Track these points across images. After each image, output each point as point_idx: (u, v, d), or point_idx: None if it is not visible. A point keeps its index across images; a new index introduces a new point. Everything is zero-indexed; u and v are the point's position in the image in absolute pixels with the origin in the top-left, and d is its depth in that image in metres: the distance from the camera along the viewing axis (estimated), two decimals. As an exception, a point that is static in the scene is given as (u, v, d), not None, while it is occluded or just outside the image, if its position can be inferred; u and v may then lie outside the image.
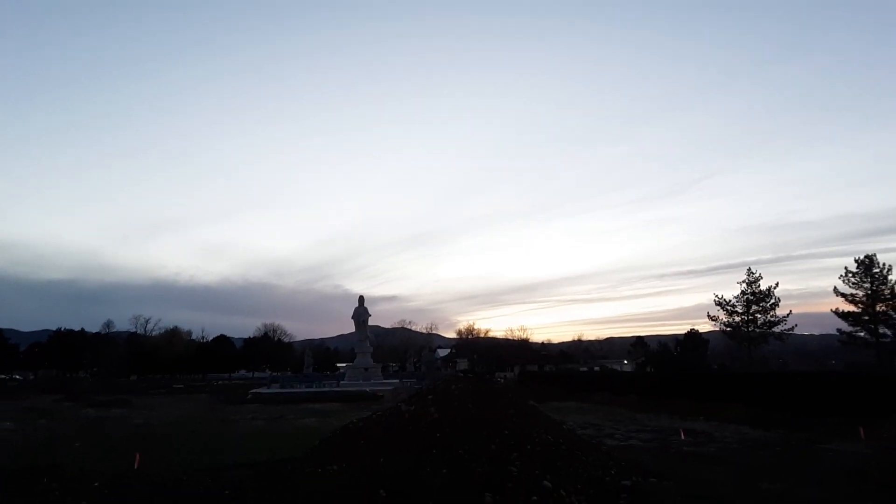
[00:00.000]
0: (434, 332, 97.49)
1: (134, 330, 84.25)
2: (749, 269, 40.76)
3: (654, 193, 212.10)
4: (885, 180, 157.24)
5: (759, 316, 40.43)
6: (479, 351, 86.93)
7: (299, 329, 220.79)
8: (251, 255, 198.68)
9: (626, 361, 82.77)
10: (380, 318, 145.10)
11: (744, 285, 41.04)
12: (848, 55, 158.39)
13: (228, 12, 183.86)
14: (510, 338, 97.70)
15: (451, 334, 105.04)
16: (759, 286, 40.62)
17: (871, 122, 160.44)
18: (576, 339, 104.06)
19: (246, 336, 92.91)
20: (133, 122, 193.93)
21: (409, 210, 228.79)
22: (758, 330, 40.25)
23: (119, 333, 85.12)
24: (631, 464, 7.96)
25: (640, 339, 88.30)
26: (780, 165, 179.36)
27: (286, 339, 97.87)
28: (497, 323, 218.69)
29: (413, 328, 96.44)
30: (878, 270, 39.43)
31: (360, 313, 50.45)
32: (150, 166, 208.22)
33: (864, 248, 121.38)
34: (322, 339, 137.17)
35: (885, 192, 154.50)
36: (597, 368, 69.83)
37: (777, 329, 39.68)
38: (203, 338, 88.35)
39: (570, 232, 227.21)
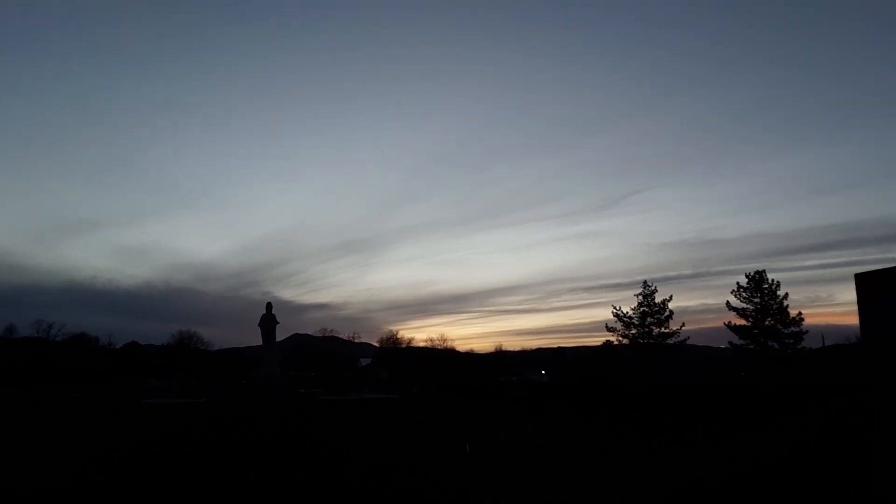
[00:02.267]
0: (358, 339, 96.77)
1: (37, 335, 79.84)
2: (645, 283, 42.56)
3: (585, 207, 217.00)
4: (798, 202, 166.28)
5: (653, 328, 42.06)
6: (401, 360, 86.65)
7: (225, 337, 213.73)
8: (175, 258, 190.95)
9: (543, 372, 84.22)
10: (308, 326, 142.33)
11: (640, 298, 42.70)
12: (762, 81, 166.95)
13: (154, 3, 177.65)
14: (435, 347, 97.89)
15: (377, 343, 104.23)
16: (653, 299, 42.30)
17: (788, 144, 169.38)
18: (497, 349, 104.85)
19: (164, 344, 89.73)
20: (47, 114, 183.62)
21: (342, 216, 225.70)
22: (651, 342, 41.82)
23: (25, 339, 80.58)
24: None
25: (560, 350, 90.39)
26: (702, 183, 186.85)
27: (205, 348, 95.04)
28: (428, 333, 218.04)
29: (338, 336, 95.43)
30: (767, 286, 41.70)
31: (268, 321, 49.31)
32: (65, 161, 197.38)
33: (776, 265, 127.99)
34: (248, 348, 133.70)
35: (799, 212, 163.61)
36: (515, 378, 70.83)
37: (671, 341, 41.40)
38: (110, 344, 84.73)
39: (501, 243, 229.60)
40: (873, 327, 5.17)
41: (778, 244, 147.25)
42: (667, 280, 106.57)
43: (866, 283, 5.15)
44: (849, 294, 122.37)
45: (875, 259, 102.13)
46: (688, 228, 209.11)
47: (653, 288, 41.79)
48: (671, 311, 40.94)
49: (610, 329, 43.41)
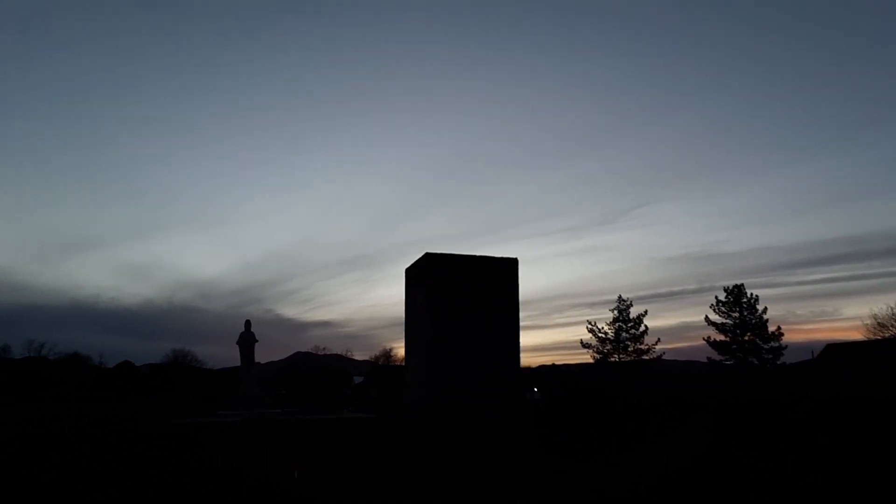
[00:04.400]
0: (348, 355, 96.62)
1: (28, 355, 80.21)
2: (620, 297, 42.43)
3: (587, 221, 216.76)
4: (802, 215, 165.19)
5: (628, 344, 41.87)
6: (394, 377, 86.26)
7: (226, 355, 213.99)
8: (177, 276, 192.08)
9: (535, 389, 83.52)
10: (310, 344, 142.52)
11: (615, 313, 42.56)
12: (763, 94, 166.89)
13: (158, 16, 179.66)
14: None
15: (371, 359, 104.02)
16: (628, 314, 42.12)
17: (791, 157, 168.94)
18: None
19: (157, 363, 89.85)
20: (50, 132, 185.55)
21: (344, 232, 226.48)
22: (626, 358, 41.60)
23: (19, 359, 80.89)
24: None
25: (553, 366, 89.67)
26: (705, 197, 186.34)
27: (199, 366, 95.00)
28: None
29: (326, 353, 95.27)
30: (746, 300, 41.43)
31: (246, 338, 49.39)
32: (69, 179, 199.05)
33: (782, 280, 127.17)
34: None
35: (803, 225, 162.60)
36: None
37: (646, 357, 41.16)
38: (101, 364, 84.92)
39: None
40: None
41: (782, 258, 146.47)
42: (671, 295, 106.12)
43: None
44: (855, 308, 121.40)
45: (881, 272, 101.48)
46: (691, 242, 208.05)
47: (628, 303, 41.81)
48: (646, 327, 40.89)
49: (585, 346, 43.38)
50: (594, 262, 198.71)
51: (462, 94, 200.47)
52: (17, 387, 68.76)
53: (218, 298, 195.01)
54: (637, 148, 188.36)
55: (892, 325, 43.65)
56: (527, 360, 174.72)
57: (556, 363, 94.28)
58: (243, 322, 47.71)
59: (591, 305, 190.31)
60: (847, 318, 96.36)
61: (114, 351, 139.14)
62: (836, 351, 37.61)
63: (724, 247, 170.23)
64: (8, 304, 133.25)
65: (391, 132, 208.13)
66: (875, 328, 42.61)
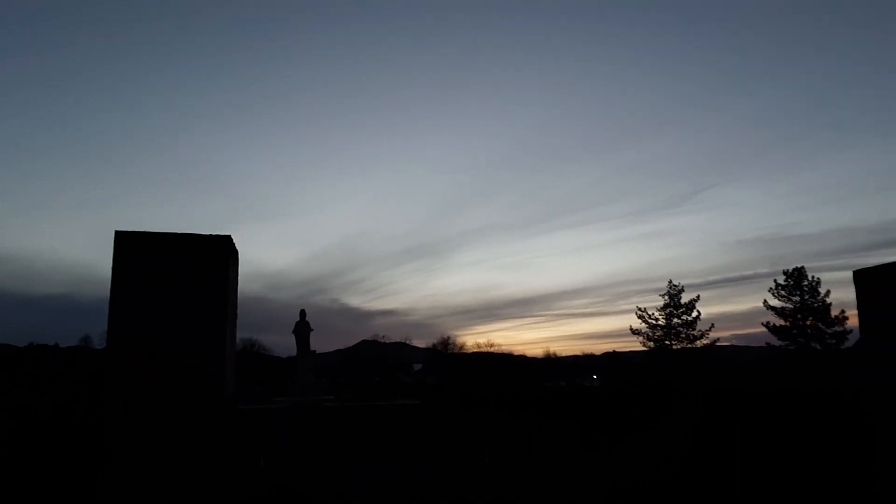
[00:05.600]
0: (408, 342, 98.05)
1: (103, 346, 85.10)
2: (670, 282, 41.29)
3: (652, 205, 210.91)
4: (882, 193, 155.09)
5: (681, 330, 40.76)
6: (453, 366, 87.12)
7: (292, 344, 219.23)
8: (248, 268, 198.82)
9: (595, 377, 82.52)
10: (375, 332, 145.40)
11: (665, 298, 41.48)
12: (845, 66, 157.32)
13: (225, 12, 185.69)
14: (490, 352, 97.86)
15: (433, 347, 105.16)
16: (679, 299, 40.98)
17: (870, 133, 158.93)
18: (547, 354, 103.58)
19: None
20: (126, 130, 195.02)
21: (406, 222, 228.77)
22: (678, 345, 40.55)
23: (97, 350, 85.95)
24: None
25: (613, 353, 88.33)
26: (777, 177, 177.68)
27: (269, 354, 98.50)
28: (492, 337, 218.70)
29: (386, 341, 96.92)
30: (807, 283, 39.62)
31: (301, 328, 50.99)
32: (145, 176, 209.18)
33: (862, 262, 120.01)
34: (319, 355, 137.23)
35: (887, 203, 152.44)
36: (562, 384, 69.75)
37: (699, 343, 40.01)
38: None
39: (565, 244, 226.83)
40: (872, 326, 4.94)
41: (863, 238, 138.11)
42: (743, 280, 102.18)
43: (865, 281, 4.88)
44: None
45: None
46: (763, 225, 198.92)
47: (679, 288, 40.61)
48: (699, 312, 39.67)
49: (635, 332, 42.49)
50: (660, 247, 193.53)
51: (521, 81, 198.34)
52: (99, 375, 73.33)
53: (285, 289, 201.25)
54: (703, 128, 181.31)
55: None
56: (589, 347, 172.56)
57: (617, 350, 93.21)
58: (300, 311, 49.30)
59: (657, 291, 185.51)
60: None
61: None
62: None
63: (800, 228, 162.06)
64: (91, 298, 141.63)
65: (451, 121, 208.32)
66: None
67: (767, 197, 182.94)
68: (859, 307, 4.82)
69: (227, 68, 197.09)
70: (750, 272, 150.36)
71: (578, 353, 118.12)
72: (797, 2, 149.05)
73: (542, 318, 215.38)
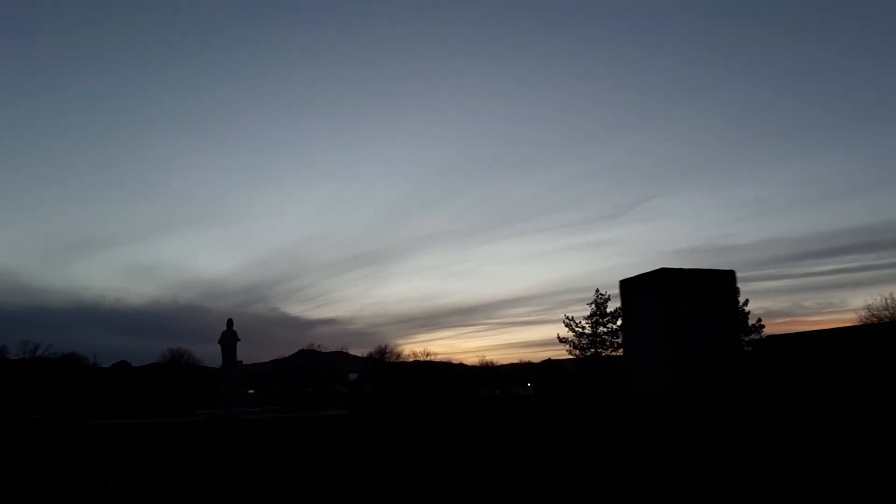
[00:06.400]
0: (346, 352, 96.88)
1: (23, 356, 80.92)
2: (597, 290, 42.18)
3: (595, 215, 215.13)
4: (810, 206, 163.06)
5: (606, 338, 41.65)
6: (389, 375, 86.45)
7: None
8: (183, 275, 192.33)
9: (529, 385, 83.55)
10: (318, 340, 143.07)
11: (592, 307, 42.35)
12: (780, 80, 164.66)
13: (167, 15, 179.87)
14: (429, 360, 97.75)
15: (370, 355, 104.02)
16: (606, 308, 41.93)
17: (798, 148, 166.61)
18: (483, 363, 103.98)
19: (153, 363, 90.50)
20: (53, 132, 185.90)
21: (350, 229, 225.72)
22: (602, 352, 41.40)
23: (14, 361, 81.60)
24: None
25: (548, 361, 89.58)
26: (712, 190, 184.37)
27: (198, 365, 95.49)
28: (434, 346, 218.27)
29: (323, 351, 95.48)
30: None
31: (228, 338, 49.44)
32: (74, 179, 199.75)
33: (790, 272, 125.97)
34: (255, 365, 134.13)
35: (811, 217, 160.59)
36: (497, 392, 70.25)
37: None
38: (96, 364, 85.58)
39: (510, 253, 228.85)
40: (628, 333, 4.89)
41: (791, 249, 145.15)
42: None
43: (626, 290, 4.83)
44: (861, 299, 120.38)
45: (888, 263, 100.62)
46: (699, 236, 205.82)
47: (606, 296, 41.62)
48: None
49: (562, 340, 43.19)
50: (601, 256, 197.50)
51: (467, 91, 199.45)
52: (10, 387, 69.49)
53: (223, 297, 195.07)
54: (644, 141, 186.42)
55: (886, 316, 43.28)
56: (528, 355, 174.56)
57: (553, 358, 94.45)
58: (227, 321, 47.85)
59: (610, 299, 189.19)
60: (853, 310, 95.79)
61: (117, 351, 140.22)
62: (774, 342, 36.91)
63: (732, 239, 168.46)
64: (11, 307, 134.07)
65: (396, 130, 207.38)
66: (869, 319, 42.30)
67: (703, 208, 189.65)
68: (622, 316, 4.88)
69: (165, 66, 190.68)
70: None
71: (517, 361, 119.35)
72: (735, 17, 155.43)
73: (484, 326, 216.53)
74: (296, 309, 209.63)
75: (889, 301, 42.91)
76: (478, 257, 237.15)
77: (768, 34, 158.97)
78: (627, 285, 4.57)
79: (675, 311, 3.94)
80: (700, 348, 3.85)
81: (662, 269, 4.25)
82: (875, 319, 42.95)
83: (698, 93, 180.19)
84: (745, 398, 3.85)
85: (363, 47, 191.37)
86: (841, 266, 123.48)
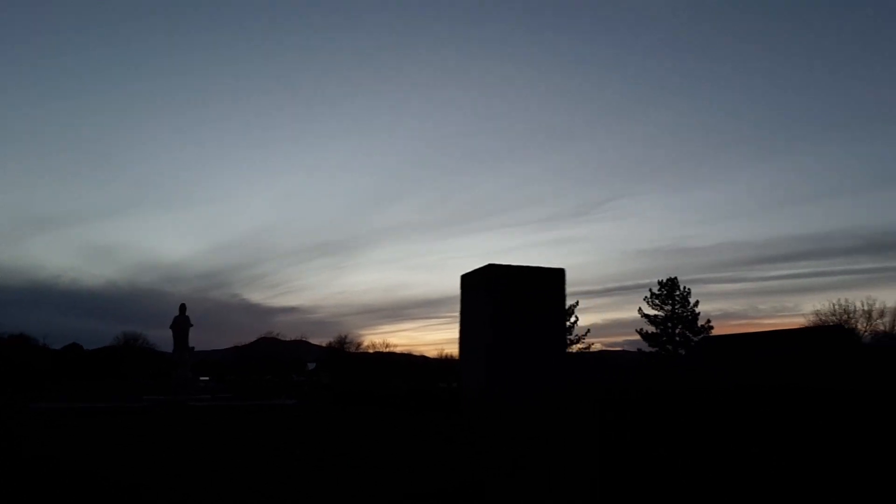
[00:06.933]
0: (307, 340, 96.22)
1: (-29, 337, 78.43)
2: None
3: (562, 212, 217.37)
4: (770, 211, 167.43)
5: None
6: (348, 365, 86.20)
7: (192, 340, 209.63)
8: (142, 258, 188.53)
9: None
10: (279, 328, 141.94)
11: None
12: (741, 88, 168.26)
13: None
14: (390, 352, 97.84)
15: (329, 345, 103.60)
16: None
17: (762, 154, 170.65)
18: (442, 356, 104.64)
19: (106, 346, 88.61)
20: (10, 107, 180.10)
21: (316, 218, 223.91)
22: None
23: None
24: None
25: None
26: (677, 191, 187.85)
27: (153, 349, 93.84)
28: (399, 338, 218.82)
29: (283, 339, 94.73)
30: (679, 293, 42.01)
31: (180, 322, 48.69)
32: (31, 156, 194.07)
33: (746, 276, 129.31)
34: (213, 351, 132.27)
35: (770, 222, 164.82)
36: (454, 385, 70.47)
37: (574, 347, 41.60)
38: (45, 345, 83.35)
39: (479, 247, 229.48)
40: (464, 327, 4.90)
41: (749, 253, 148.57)
42: (638, 288, 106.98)
43: (463, 285, 4.85)
44: (814, 303, 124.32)
45: (841, 269, 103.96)
46: (662, 236, 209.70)
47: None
48: (577, 318, 41.25)
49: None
50: (567, 253, 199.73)
51: (437, 84, 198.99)
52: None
53: (183, 282, 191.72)
54: (613, 141, 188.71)
55: (833, 321, 44.88)
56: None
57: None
58: (179, 305, 47.07)
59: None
60: (806, 314, 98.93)
61: (70, 333, 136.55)
62: (710, 343, 38.19)
63: (694, 241, 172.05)
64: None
65: (366, 120, 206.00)
66: (817, 323, 43.85)
67: (667, 210, 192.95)
68: (461, 310, 4.98)
69: (132, 44, 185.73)
70: (646, 281, 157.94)
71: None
72: (701, 21, 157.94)
73: (447, 319, 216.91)
74: (257, 296, 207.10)
75: (836, 307, 44.53)
76: (444, 250, 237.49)
77: (733, 40, 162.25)
78: (464, 280, 4.61)
79: (498, 308, 3.97)
80: (521, 347, 3.94)
81: (490, 265, 4.32)
82: (822, 323, 44.53)
83: (668, 95, 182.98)
84: (571, 398, 3.96)
85: (334, 37, 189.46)
86: (795, 271, 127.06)
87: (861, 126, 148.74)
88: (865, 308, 41.82)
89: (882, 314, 42.10)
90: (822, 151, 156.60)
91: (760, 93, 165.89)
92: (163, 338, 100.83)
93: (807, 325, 44.60)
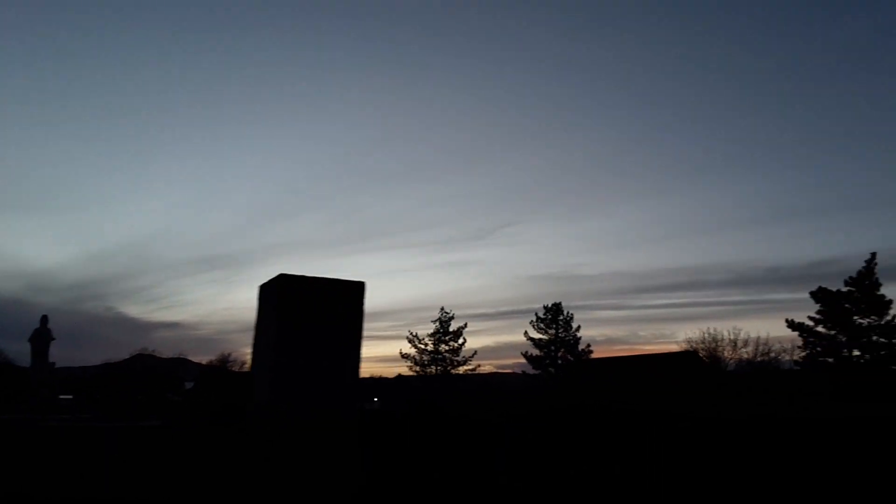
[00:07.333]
0: (186, 357, 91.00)
1: None
2: (442, 309, 43.32)
3: (459, 236, 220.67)
4: (653, 244, 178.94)
5: (447, 356, 42.72)
6: (230, 383, 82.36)
7: (54, 355, 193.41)
8: (5, 264, 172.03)
9: (375, 399, 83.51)
10: (158, 344, 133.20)
11: (437, 324, 43.36)
12: (635, 132, 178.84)
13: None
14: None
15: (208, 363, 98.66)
16: (449, 326, 43.07)
17: (650, 189, 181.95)
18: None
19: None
20: None
21: (205, 229, 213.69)
22: (441, 369, 42.42)
23: None
24: None
25: (399, 377, 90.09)
26: (570, 220, 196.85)
27: (15, 365, 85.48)
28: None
29: (161, 356, 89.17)
30: (563, 318, 43.67)
31: (40, 336, 44.71)
32: None
33: (630, 303, 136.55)
34: (83, 368, 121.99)
35: (653, 254, 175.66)
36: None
37: (461, 369, 42.19)
38: None
39: (375, 267, 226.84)
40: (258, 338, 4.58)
41: (632, 282, 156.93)
42: (530, 312, 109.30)
43: (260, 296, 4.53)
44: (688, 332, 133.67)
45: (713, 301, 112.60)
46: (554, 263, 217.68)
47: (450, 315, 42.77)
48: (465, 339, 42.00)
49: (404, 356, 43.69)
50: (464, 276, 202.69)
51: (340, 98, 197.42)
52: None
53: (51, 292, 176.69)
54: (512, 167, 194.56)
55: (702, 348, 48.05)
56: (383, 370, 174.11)
57: (403, 374, 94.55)
58: (41, 317, 43.31)
59: (456, 318, 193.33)
60: (681, 341, 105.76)
61: None
62: (584, 366, 40.11)
63: (583, 269, 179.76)
64: None
65: (263, 131, 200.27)
66: (688, 349, 46.76)
67: (560, 237, 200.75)
68: (256, 322, 4.92)
69: (9, 48, 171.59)
70: (537, 306, 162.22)
71: (369, 375, 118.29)
72: (605, 52, 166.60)
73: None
74: (135, 310, 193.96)
75: (706, 335, 47.53)
76: (341, 269, 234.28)
77: (638, 72, 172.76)
78: (260, 291, 4.47)
79: (287, 321, 3.83)
80: (311, 362, 3.87)
81: (282, 275, 4.20)
82: (691, 349, 47.56)
83: (565, 125, 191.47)
84: (356, 414, 3.95)
85: (236, 46, 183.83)
86: (673, 301, 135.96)
87: (733, 170, 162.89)
88: (732, 337, 45.19)
89: (746, 343, 45.63)
90: (697, 192, 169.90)
91: (647, 136, 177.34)
92: (24, 352, 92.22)
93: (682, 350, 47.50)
